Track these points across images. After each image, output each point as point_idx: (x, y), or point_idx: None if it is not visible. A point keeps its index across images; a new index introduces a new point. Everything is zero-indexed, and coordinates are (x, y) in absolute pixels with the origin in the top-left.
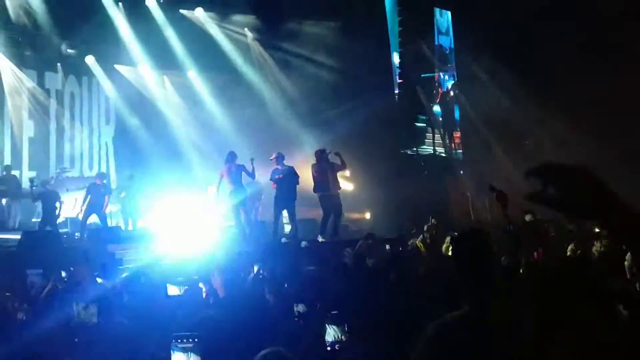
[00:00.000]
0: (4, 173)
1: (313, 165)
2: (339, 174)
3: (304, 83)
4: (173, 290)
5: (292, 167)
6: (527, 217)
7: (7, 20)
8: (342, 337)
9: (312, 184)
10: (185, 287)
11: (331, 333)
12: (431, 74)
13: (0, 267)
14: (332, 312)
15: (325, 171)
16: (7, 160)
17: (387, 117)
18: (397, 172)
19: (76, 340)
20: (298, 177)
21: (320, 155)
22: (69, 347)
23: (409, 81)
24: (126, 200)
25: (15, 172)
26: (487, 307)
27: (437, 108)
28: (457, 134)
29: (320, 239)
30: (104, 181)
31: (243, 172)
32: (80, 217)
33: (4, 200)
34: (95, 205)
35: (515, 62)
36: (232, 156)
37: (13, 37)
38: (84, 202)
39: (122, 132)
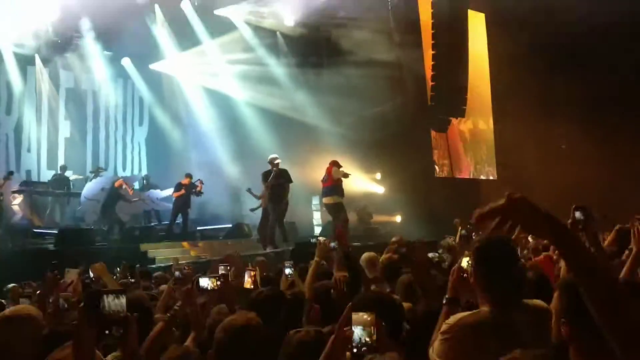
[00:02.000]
0: (59, 172)
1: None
2: (370, 177)
3: (336, 84)
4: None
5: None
6: None
7: (47, 23)
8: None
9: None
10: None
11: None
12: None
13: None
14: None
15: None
16: (44, 160)
17: (419, 119)
18: (428, 175)
19: None
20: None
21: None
22: None
23: (441, 83)
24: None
25: (53, 172)
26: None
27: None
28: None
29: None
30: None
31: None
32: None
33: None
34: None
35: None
36: None
37: (52, 40)
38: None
39: (155, 133)
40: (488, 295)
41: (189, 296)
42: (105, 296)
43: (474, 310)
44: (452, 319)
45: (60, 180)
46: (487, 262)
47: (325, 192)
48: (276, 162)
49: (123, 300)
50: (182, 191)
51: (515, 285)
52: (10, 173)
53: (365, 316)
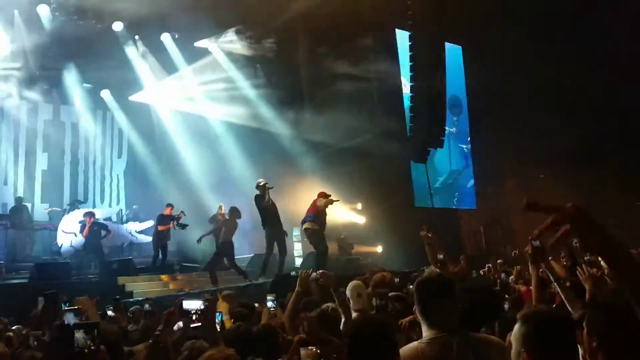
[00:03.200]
0: (14, 204)
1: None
2: (350, 207)
3: (318, 115)
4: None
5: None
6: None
7: (26, 56)
8: None
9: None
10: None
11: None
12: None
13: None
14: None
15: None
16: (20, 192)
17: (398, 151)
18: (408, 205)
19: None
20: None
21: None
22: None
23: (420, 116)
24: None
25: (27, 204)
26: None
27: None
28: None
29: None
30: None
31: None
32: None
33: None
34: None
35: (528, 99)
36: None
37: (31, 72)
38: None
39: (133, 165)
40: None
41: (168, 320)
42: (76, 331)
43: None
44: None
45: (19, 210)
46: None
47: (306, 218)
48: (267, 185)
49: (95, 333)
50: (170, 225)
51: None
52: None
53: (313, 349)
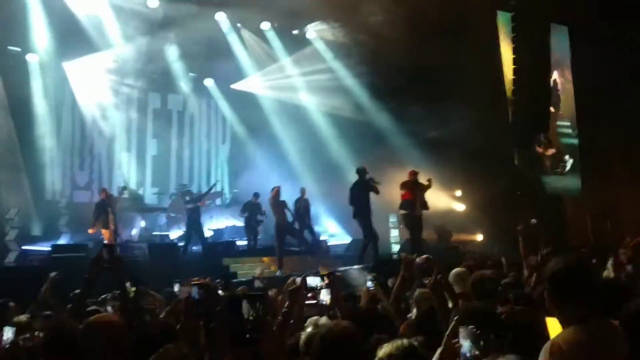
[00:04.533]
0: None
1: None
2: (450, 194)
3: (418, 103)
4: None
5: None
6: None
7: (137, 47)
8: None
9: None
10: None
11: (467, 347)
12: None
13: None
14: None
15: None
16: (133, 178)
17: (501, 136)
18: (510, 193)
19: None
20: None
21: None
22: None
23: (523, 100)
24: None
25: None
26: None
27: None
28: (576, 154)
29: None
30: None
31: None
32: None
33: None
34: None
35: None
36: None
37: (142, 63)
38: None
39: (237, 151)
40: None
41: (296, 296)
42: (244, 301)
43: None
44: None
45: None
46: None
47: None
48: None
49: (258, 305)
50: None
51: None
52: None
53: (472, 329)
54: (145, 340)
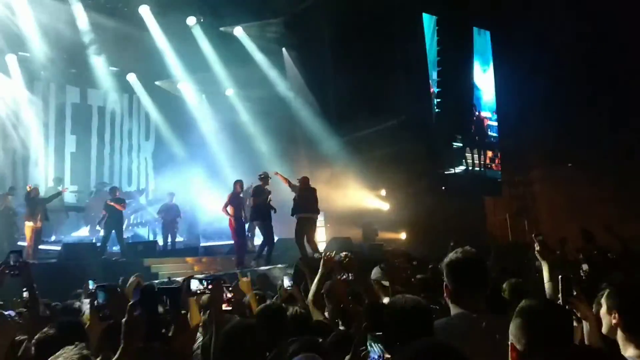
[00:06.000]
0: (52, 184)
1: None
2: (374, 194)
3: (343, 100)
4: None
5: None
6: None
7: (54, 39)
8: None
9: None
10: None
11: (375, 351)
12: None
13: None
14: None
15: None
16: (51, 174)
17: (424, 136)
18: (433, 192)
19: None
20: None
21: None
22: None
23: (446, 100)
24: (167, 216)
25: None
26: None
27: (476, 127)
28: (497, 155)
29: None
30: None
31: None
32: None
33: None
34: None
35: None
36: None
37: (59, 55)
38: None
39: (161, 148)
40: None
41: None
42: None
43: None
44: None
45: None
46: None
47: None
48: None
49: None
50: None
51: None
52: (12, 188)
53: (379, 335)
54: (48, 341)
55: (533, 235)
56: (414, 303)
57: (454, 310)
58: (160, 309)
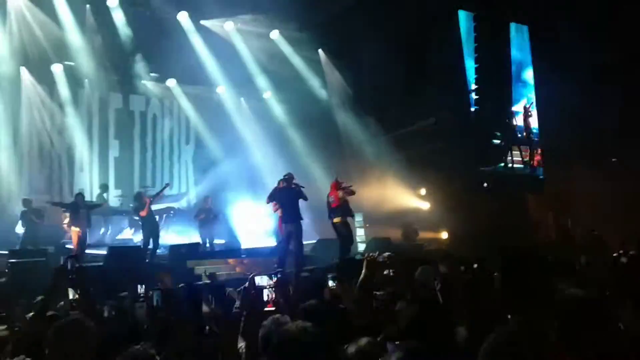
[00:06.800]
0: (99, 191)
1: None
2: (414, 193)
3: (378, 100)
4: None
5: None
6: None
7: (97, 48)
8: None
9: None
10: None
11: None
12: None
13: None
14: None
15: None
16: (96, 179)
17: (463, 134)
18: (473, 190)
19: None
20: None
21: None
22: None
23: (485, 97)
24: (205, 219)
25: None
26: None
27: (516, 123)
28: (538, 151)
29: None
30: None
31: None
32: None
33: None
34: None
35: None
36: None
37: (101, 63)
38: None
39: (202, 152)
40: None
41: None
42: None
43: None
44: None
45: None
46: None
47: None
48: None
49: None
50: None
51: None
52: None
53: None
54: (111, 340)
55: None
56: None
57: None
58: (206, 308)
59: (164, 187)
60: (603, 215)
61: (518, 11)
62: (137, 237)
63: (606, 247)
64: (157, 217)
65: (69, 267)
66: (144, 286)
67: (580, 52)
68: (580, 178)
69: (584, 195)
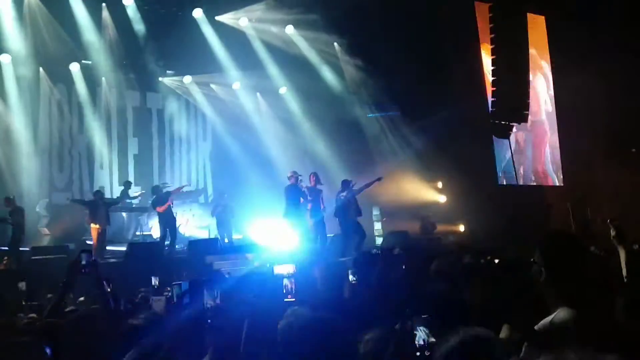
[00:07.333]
0: (122, 188)
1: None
2: (431, 186)
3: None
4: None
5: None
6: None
7: (114, 46)
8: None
9: None
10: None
11: (421, 336)
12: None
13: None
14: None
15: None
16: (116, 176)
17: (480, 126)
18: (491, 182)
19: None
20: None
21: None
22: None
23: (502, 90)
24: (222, 215)
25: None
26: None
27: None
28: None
29: None
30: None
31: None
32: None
33: (124, 214)
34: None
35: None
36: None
37: (118, 62)
38: None
39: (219, 149)
40: None
41: None
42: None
43: None
44: None
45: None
46: None
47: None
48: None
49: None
50: None
51: None
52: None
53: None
54: (132, 331)
55: (609, 220)
56: None
57: None
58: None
59: (182, 186)
60: (622, 205)
61: (534, 1)
62: (157, 233)
63: (624, 237)
64: (175, 213)
65: (83, 261)
66: (157, 279)
67: (599, 42)
68: (600, 167)
69: (603, 185)
